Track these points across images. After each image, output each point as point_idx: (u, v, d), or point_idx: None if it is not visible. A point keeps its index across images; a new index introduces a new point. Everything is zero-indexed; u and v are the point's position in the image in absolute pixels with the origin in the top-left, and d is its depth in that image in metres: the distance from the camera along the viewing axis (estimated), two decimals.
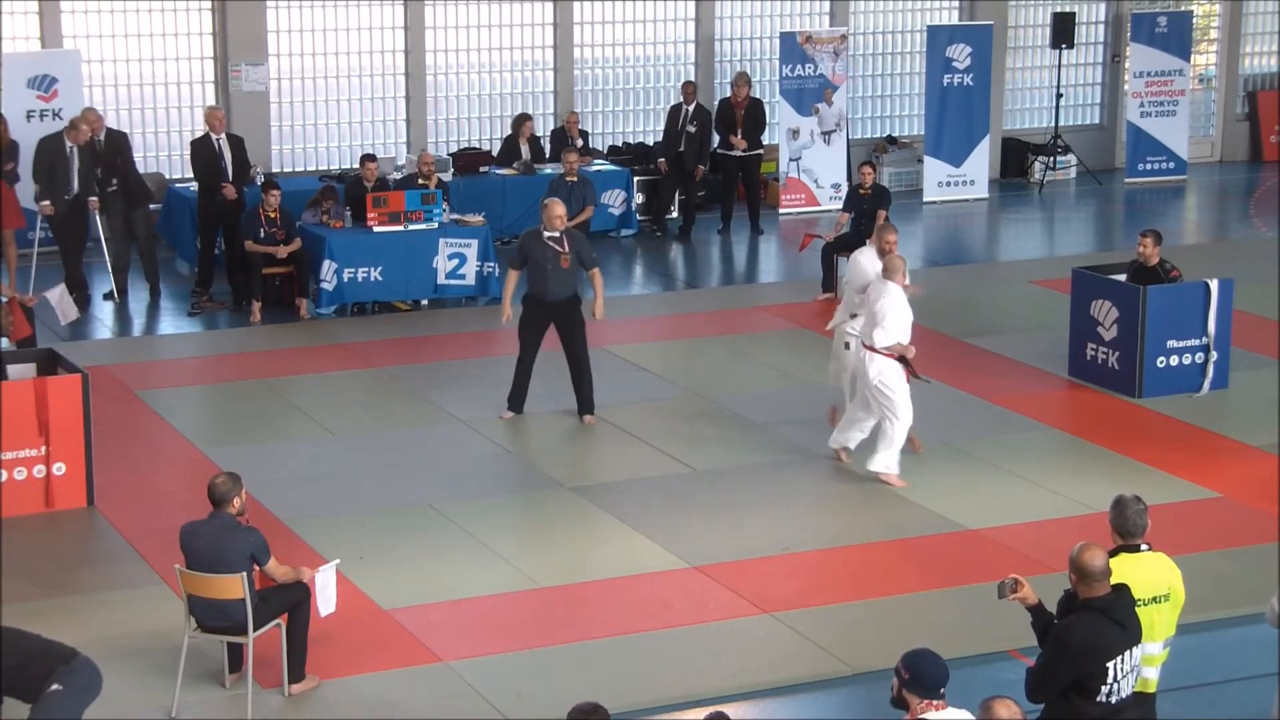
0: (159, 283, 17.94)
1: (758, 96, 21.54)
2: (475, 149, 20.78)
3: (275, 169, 20.38)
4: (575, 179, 18.64)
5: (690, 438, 13.66)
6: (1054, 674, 7.40)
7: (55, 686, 7.94)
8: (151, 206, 18.40)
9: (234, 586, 9.12)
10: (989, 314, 17.37)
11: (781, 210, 22.03)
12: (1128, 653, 7.42)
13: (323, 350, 16.06)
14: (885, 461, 12.57)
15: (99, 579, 11.08)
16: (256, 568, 9.28)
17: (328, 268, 17.01)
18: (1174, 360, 14.64)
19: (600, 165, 20.72)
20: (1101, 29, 25.06)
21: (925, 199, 22.79)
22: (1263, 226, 21.61)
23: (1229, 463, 13.23)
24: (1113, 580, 7.48)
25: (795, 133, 22.06)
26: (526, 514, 12.40)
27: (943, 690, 6.96)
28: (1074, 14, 23.87)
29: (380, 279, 17.19)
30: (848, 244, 16.65)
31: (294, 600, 9.41)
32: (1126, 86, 24.44)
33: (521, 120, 20.60)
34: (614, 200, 20.44)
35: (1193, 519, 12.00)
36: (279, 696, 9.47)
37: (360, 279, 17.14)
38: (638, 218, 20.87)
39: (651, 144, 22.08)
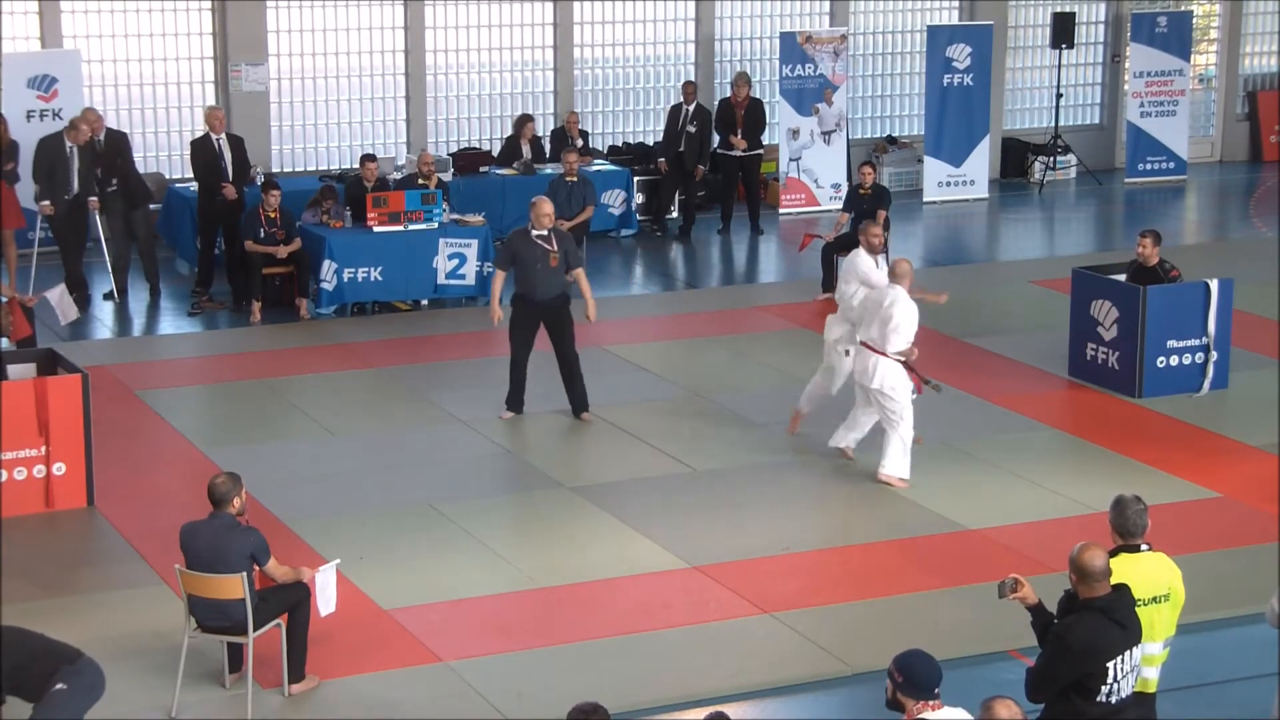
0: (159, 283, 17.94)
1: (758, 96, 21.54)
2: (475, 149, 20.78)
3: (275, 169, 20.38)
4: (575, 179, 18.64)
5: (690, 438, 13.66)
6: (1054, 674, 7.40)
7: (60, 686, 7.95)
8: (151, 206, 18.41)
9: (234, 586, 9.12)
10: (989, 314, 17.37)
11: (781, 210, 22.03)
12: (1128, 653, 7.42)
13: (323, 350, 16.06)
14: (898, 467, 12.56)
15: (99, 579, 11.09)
16: (256, 568, 9.28)
17: (328, 268, 17.01)
18: (1174, 360, 14.64)
19: (600, 165, 20.72)
20: (1101, 29, 25.06)
21: (925, 199, 22.79)
22: (1263, 226, 21.61)
23: (1229, 463, 13.23)
24: (1113, 580, 7.48)
25: (795, 133, 22.06)
26: (526, 514, 12.40)
27: (937, 690, 6.96)
28: (1074, 14, 23.88)
29: (380, 279, 17.19)
30: (848, 244, 16.62)
31: (294, 600, 9.42)
32: (1126, 86, 24.44)
33: (523, 121, 20.59)
34: (614, 200, 20.43)
35: (1193, 519, 12.00)
36: (279, 696, 9.47)
37: (360, 279, 17.14)
38: (638, 218, 20.87)
39: (651, 144, 22.08)
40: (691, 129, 20.85)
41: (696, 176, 21.05)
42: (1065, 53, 23.86)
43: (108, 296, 17.66)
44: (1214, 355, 14.68)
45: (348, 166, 20.42)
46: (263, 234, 17.01)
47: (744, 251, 20.57)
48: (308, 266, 17.10)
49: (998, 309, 17.62)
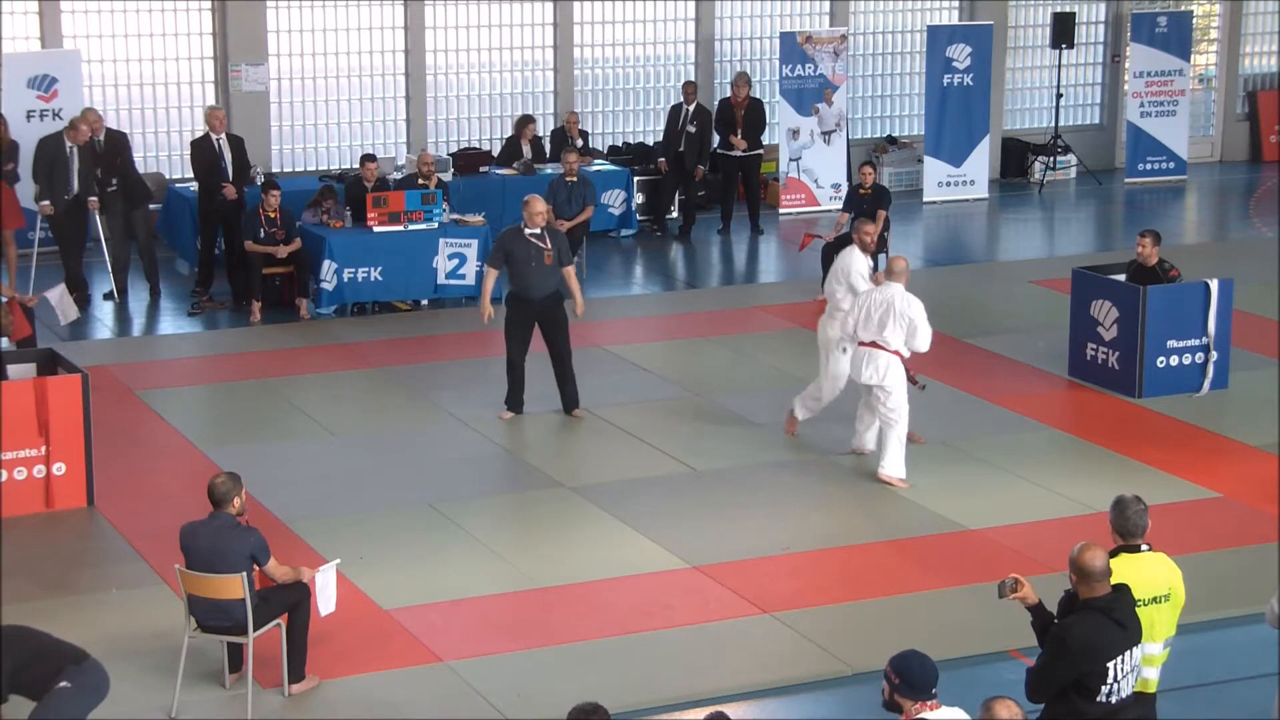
0: (159, 283, 17.95)
1: (758, 96, 21.54)
2: (475, 149, 20.78)
3: (275, 169, 20.38)
4: (575, 179, 18.64)
5: (690, 438, 13.66)
6: (1054, 674, 7.40)
7: (64, 684, 7.95)
8: (151, 206, 18.42)
9: (234, 586, 9.12)
10: (989, 314, 17.37)
11: (781, 210, 22.03)
12: (1128, 653, 7.42)
13: (323, 350, 16.05)
14: (897, 466, 12.58)
15: (99, 579, 11.08)
16: (256, 568, 9.28)
17: (328, 268, 17.01)
18: (1174, 360, 14.64)
19: (600, 165, 20.72)
20: (1101, 29, 25.06)
21: (925, 199, 22.79)
22: (1263, 226, 21.61)
23: (1229, 463, 13.22)
24: (1113, 580, 7.48)
25: (795, 133, 22.06)
26: (526, 514, 12.39)
27: (934, 690, 6.96)
28: (1074, 14, 23.88)
29: (380, 279, 17.19)
30: (847, 244, 16.60)
31: (294, 600, 9.41)
32: (1126, 86, 24.44)
33: (525, 122, 20.57)
34: (614, 200, 20.43)
35: (1193, 519, 11.99)
36: (279, 696, 9.47)
37: (360, 279, 17.14)
38: (638, 218, 20.87)
39: (651, 144, 22.08)
40: (691, 129, 20.86)
41: (696, 176, 21.05)
42: (1065, 53, 23.86)
43: (108, 296, 17.66)
44: (1214, 355, 14.68)
45: (348, 166, 20.41)
46: (263, 234, 17.01)
47: (744, 251, 20.57)
48: (308, 266, 17.10)
49: (998, 309, 17.62)
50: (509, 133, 21.01)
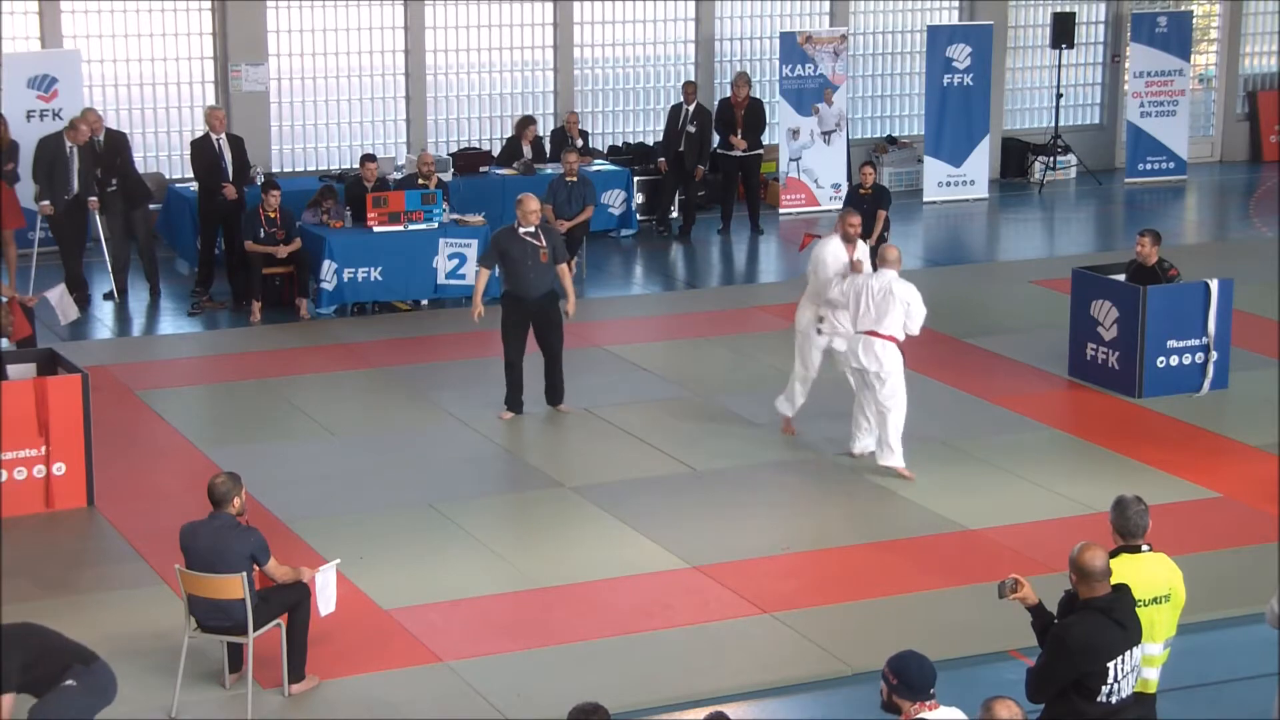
0: (159, 283, 17.95)
1: (758, 96, 21.54)
2: (475, 149, 20.78)
3: (275, 169, 20.38)
4: (575, 179, 18.64)
5: (690, 438, 13.66)
6: (1054, 674, 7.40)
7: (70, 682, 7.94)
8: (151, 206, 18.42)
9: (234, 586, 9.12)
10: (989, 314, 17.37)
11: (781, 210, 22.03)
12: (1128, 653, 7.42)
13: (323, 350, 16.05)
14: (898, 456, 12.59)
15: (99, 579, 11.08)
16: (256, 568, 9.28)
17: (328, 268, 17.01)
18: (1174, 360, 14.64)
19: (600, 165, 20.72)
20: (1101, 29, 25.06)
21: (925, 199, 22.79)
22: (1263, 226, 21.61)
23: (1229, 463, 13.22)
24: (1113, 580, 7.48)
25: (795, 133, 22.06)
26: (526, 514, 12.39)
27: (933, 690, 6.96)
28: (1074, 14, 23.88)
29: (380, 279, 17.19)
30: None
31: (294, 600, 9.41)
32: (1126, 86, 24.44)
33: (526, 123, 20.55)
34: (614, 200, 20.42)
35: (1193, 519, 11.99)
36: (279, 696, 9.47)
37: (360, 279, 17.14)
38: (638, 217, 20.87)
39: (651, 144, 22.08)
40: (691, 129, 20.85)
41: (696, 176, 21.05)
42: (1065, 53, 23.85)
43: (108, 296, 17.66)
44: (1214, 355, 14.67)
45: (348, 166, 20.41)
46: (263, 234, 17.01)
47: (744, 251, 20.57)
48: (308, 266, 17.10)
49: (998, 309, 17.62)
50: (509, 133, 21.01)
